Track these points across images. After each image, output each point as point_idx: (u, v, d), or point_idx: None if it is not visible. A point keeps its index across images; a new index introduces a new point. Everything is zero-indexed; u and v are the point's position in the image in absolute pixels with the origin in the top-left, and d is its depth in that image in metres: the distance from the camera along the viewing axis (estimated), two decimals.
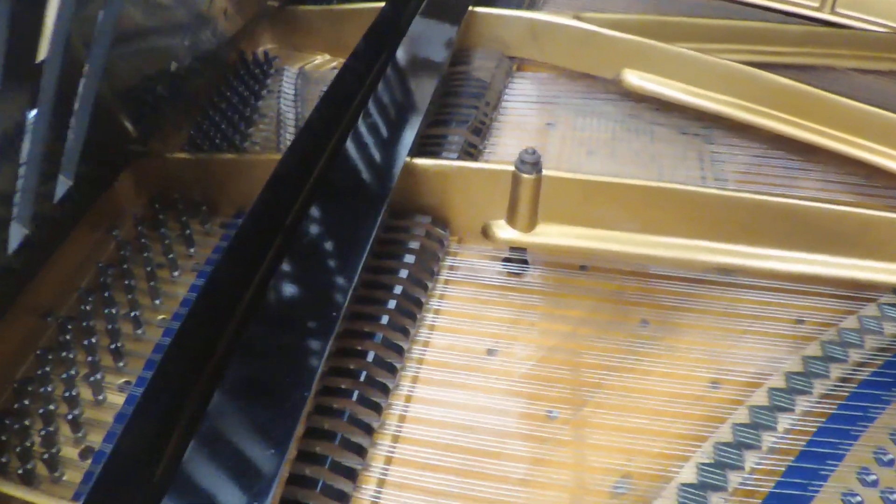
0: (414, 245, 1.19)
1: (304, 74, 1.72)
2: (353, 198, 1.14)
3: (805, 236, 1.18)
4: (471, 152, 1.40)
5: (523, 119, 1.57)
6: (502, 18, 1.63)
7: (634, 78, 1.58)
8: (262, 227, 1.05)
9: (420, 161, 1.23)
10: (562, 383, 1.08)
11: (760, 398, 1.01)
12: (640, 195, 1.20)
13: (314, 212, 1.09)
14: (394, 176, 1.15)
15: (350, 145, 1.19)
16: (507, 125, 1.54)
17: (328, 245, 1.07)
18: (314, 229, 1.08)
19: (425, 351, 1.12)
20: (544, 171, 1.18)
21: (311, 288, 1.00)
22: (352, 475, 0.92)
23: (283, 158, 1.12)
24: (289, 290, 0.99)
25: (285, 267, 1.00)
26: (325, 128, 1.21)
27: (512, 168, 1.18)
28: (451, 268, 1.25)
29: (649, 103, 1.57)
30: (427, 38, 1.49)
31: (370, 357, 1.01)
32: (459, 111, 1.45)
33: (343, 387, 0.96)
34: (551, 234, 1.24)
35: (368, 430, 0.95)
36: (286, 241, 1.05)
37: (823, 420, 1.00)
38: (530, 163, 1.15)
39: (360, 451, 0.94)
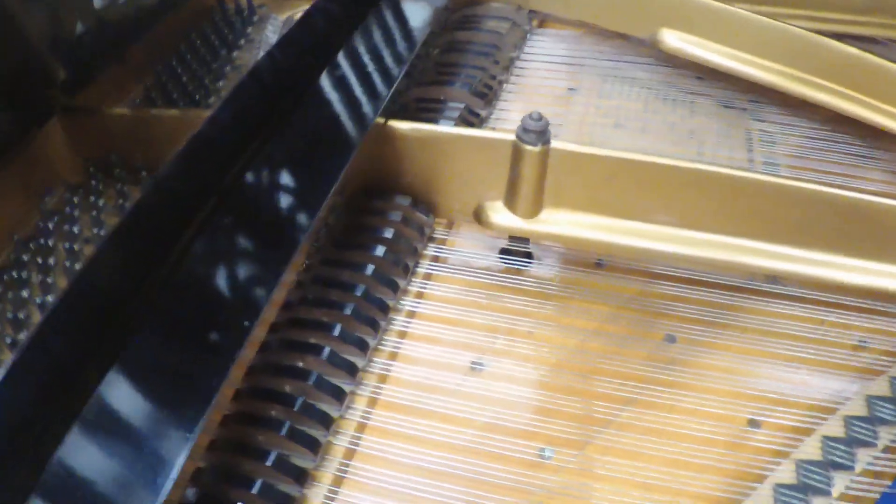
0: (386, 233, 1.04)
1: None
2: (304, 164, 0.98)
3: (871, 240, 1.00)
4: (471, 121, 1.18)
5: (541, 83, 1.43)
6: None
7: (673, 39, 1.40)
8: (187, 187, 0.92)
9: (399, 124, 1.06)
10: (561, 417, 0.91)
11: (811, 449, 0.85)
12: (673, 178, 1.01)
13: (251, 177, 0.94)
14: (354, 140, 0.99)
15: (309, 98, 1.04)
16: (521, 90, 1.40)
17: (261, 219, 0.92)
18: (247, 197, 0.93)
19: (390, 366, 0.97)
20: (553, 143, 1.00)
21: (228, 270, 0.87)
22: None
23: (220, 106, 0.97)
24: (203, 268, 0.85)
25: (205, 241, 0.87)
26: (274, 76, 0.98)
27: (512, 137, 1.00)
28: (436, 259, 1.11)
29: (690, 70, 1.41)
30: None
31: (312, 379, 0.88)
32: (461, 70, 1.30)
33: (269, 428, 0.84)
34: (559, 223, 1.07)
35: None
36: (215, 209, 0.91)
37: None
38: (535, 131, 0.95)
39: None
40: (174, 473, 0.65)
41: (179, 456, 0.66)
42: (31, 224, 1.07)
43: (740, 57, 1.35)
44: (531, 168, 1.02)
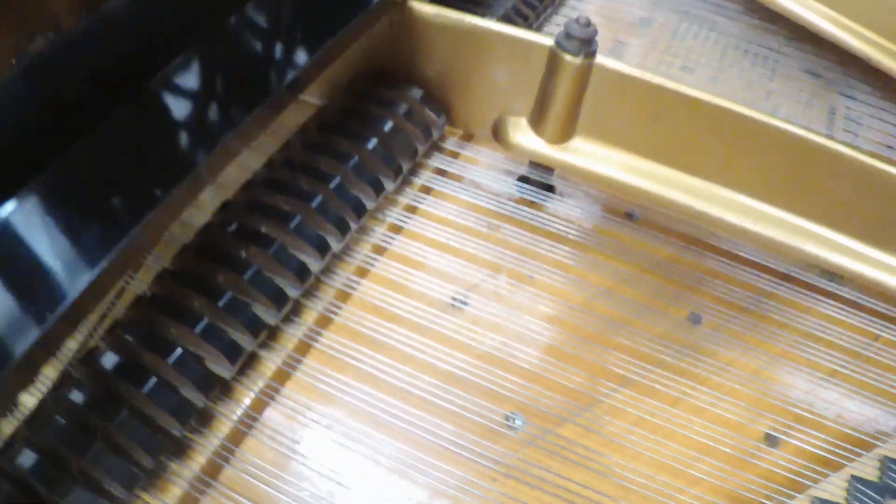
0: (382, 123, 0.90)
1: None
2: (302, 16, 0.85)
3: None
4: (516, 24, 1.01)
5: (610, 4, 1.32)
6: None
7: None
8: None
9: (421, 6, 0.93)
10: (542, 384, 0.79)
11: (834, 489, 0.71)
12: (739, 129, 0.87)
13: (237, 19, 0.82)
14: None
15: None
16: (584, 7, 1.29)
17: (236, 64, 0.80)
18: (228, 38, 0.81)
19: (355, 284, 0.85)
20: (598, 58, 0.86)
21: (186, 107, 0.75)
22: None
23: None
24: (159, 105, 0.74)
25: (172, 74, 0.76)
26: None
27: (551, 42, 0.87)
28: (441, 172, 0.97)
29: (780, 26, 1.28)
30: None
31: (249, 274, 0.76)
32: None
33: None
34: (590, 156, 0.93)
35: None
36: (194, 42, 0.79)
37: None
38: (579, 38, 0.82)
39: None
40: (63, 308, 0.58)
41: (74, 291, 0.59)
42: None
43: (840, 21, 1.21)
44: (567, 83, 0.88)
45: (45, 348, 0.59)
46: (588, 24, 0.83)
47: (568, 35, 0.84)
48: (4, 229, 0.62)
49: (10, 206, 0.63)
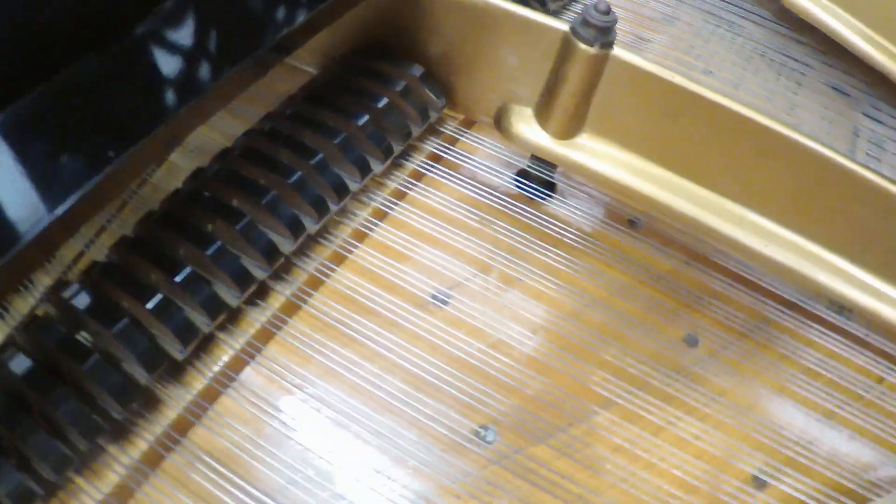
0: (376, 99, 0.84)
1: None
2: None
3: None
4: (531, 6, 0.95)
5: None
6: None
7: None
8: None
9: None
10: (516, 398, 0.74)
11: None
12: (758, 141, 0.81)
13: None
14: None
15: None
16: None
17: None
18: None
19: (329, 271, 0.80)
20: (616, 50, 0.81)
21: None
22: None
23: None
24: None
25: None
26: None
27: (566, 28, 0.82)
28: (435, 158, 0.91)
29: (810, 37, 1.23)
30: None
31: (212, 249, 0.70)
32: None
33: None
34: (597, 155, 0.87)
35: None
36: None
37: None
38: (597, 26, 0.75)
39: None
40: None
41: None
42: None
43: (872, 38, 1.17)
44: (580, 73, 0.83)
45: None
46: (607, 11, 0.78)
47: (585, 22, 0.79)
48: None
49: None
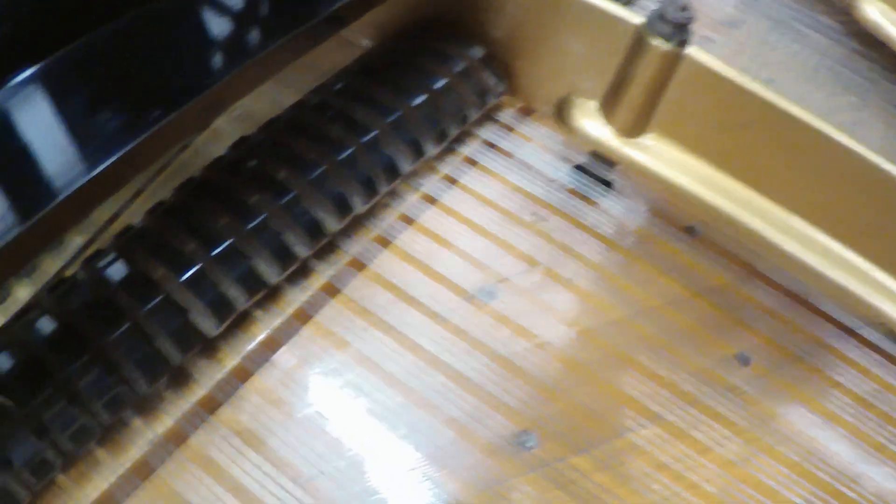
0: (436, 80, 0.80)
1: None
2: None
3: None
4: None
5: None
6: None
7: (874, 11, 1.16)
8: None
9: None
10: (560, 402, 0.70)
11: None
12: (830, 157, 0.77)
13: None
14: None
15: None
16: None
17: None
18: None
19: (372, 254, 0.76)
20: (691, 48, 0.78)
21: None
22: None
23: None
24: None
25: None
26: None
27: (640, 21, 0.79)
28: (490, 145, 0.87)
29: (881, 53, 1.18)
30: None
31: (253, 223, 0.68)
32: None
33: None
34: (660, 156, 0.84)
35: None
36: None
37: None
38: (674, 23, 0.72)
39: None
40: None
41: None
42: None
43: None
44: (651, 70, 0.80)
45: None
46: (685, 8, 0.74)
47: (661, 17, 0.75)
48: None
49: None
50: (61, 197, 0.52)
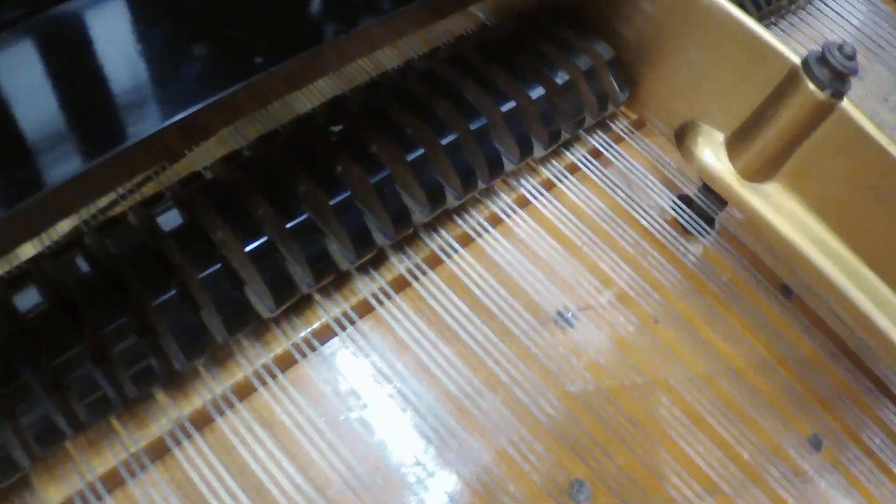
0: (558, 74, 0.72)
1: None
2: None
3: None
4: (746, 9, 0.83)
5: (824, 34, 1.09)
6: None
7: None
8: None
9: None
10: (621, 455, 0.63)
11: None
12: None
13: None
14: None
15: None
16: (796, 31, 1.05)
17: None
18: None
19: (451, 252, 0.69)
20: (848, 102, 0.68)
21: None
22: None
23: None
24: None
25: None
26: None
27: (796, 61, 0.70)
28: (596, 154, 0.79)
29: None
30: None
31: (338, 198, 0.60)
32: None
33: None
34: (780, 208, 0.74)
35: None
36: None
37: None
38: (837, 70, 0.66)
39: None
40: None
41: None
42: None
43: None
44: (798, 116, 0.70)
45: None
46: (852, 56, 0.65)
47: (822, 60, 0.66)
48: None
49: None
50: (151, 131, 0.47)
